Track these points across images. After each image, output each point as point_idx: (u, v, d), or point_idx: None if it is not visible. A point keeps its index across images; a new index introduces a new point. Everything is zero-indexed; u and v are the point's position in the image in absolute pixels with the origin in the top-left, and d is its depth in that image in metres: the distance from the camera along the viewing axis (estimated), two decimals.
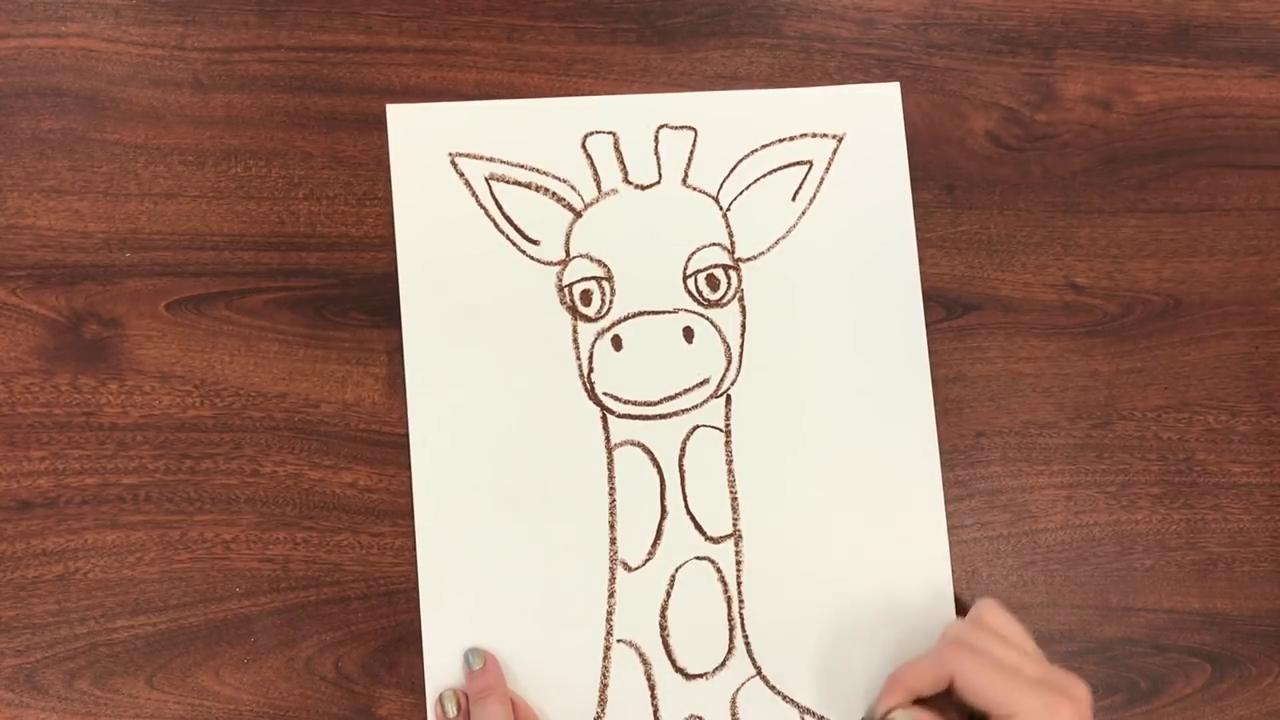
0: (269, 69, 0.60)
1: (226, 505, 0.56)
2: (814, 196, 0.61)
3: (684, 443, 0.59)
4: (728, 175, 0.60)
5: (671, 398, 0.59)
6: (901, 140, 0.62)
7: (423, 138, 0.59)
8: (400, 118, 0.60)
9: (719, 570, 0.58)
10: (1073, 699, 0.51)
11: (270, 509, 0.56)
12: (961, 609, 0.58)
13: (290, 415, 0.57)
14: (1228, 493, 0.61)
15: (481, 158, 0.60)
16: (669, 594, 0.58)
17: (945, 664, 0.53)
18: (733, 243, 0.60)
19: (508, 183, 0.59)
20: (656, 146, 0.60)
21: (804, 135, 0.61)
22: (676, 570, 0.58)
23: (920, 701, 0.53)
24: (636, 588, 0.57)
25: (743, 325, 0.60)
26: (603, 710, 0.56)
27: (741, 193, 0.60)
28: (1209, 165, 0.63)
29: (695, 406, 0.59)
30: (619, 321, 0.59)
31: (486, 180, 0.59)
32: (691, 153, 0.60)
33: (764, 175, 0.61)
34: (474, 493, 0.57)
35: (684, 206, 0.60)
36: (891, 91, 0.62)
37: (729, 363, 0.59)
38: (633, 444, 0.58)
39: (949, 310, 0.61)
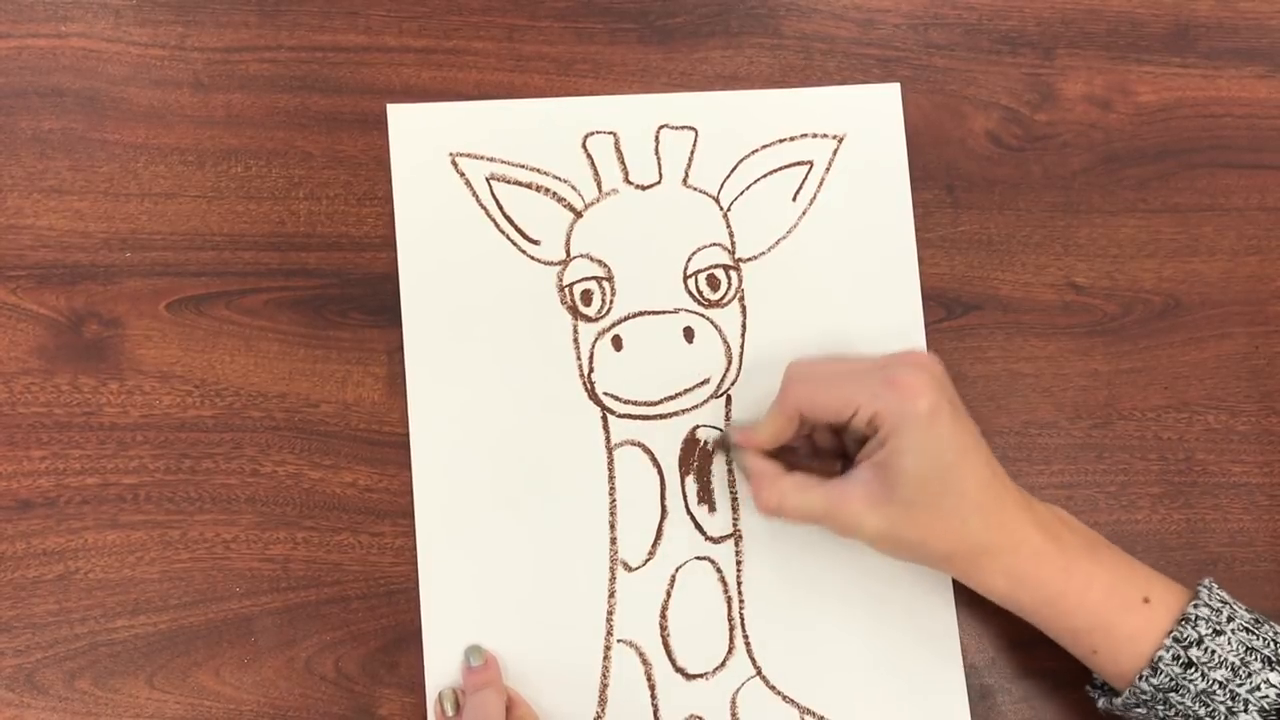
0: (269, 69, 0.60)
1: (226, 505, 0.56)
2: (814, 197, 0.61)
3: (684, 442, 0.59)
4: (728, 175, 0.60)
5: (672, 398, 0.59)
6: (901, 140, 0.62)
7: (423, 138, 0.59)
8: (400, 118, 0.59)
9: (719, 570, 0.58)
10: (915, 365, 0.50)
11: (270, 509, 0.56)
12: (962, 608, 0.58)
13: (290, 415, 0.57)
14: (1228, 493, 0.61)
15: (482, 158, 0.60)
16: (669, 594, 0.58)
17: (786, 404, 0.53)
18: (733, 243, 0.60)
19: (508, 183, 0.59)
20: (657, 146, 0.60)
21: (804, 135, 0.61)
22: (676, 570, 0.58)
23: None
24: (636, 588, 0.57)
25: (743, 325, 0.60)
26: (603, 710, 0.56)
27: (742, 193, 0.60)
28: (1209, 165, 0.63)
29: (695, 406, 0.59)
30: (619, 321, 0.59)
31: (487, 180, 0.59)
32: (692, 153, 0.60)
33: (764, 175, 0.61)
34: (474, 493, 0.57)
35: (684, 206, 0.60)
36: (891, 92, 0.62)
37: (729, 363, 0.59)
38: (633, 444, 0.58)
39: (949, 310, 0.61)
